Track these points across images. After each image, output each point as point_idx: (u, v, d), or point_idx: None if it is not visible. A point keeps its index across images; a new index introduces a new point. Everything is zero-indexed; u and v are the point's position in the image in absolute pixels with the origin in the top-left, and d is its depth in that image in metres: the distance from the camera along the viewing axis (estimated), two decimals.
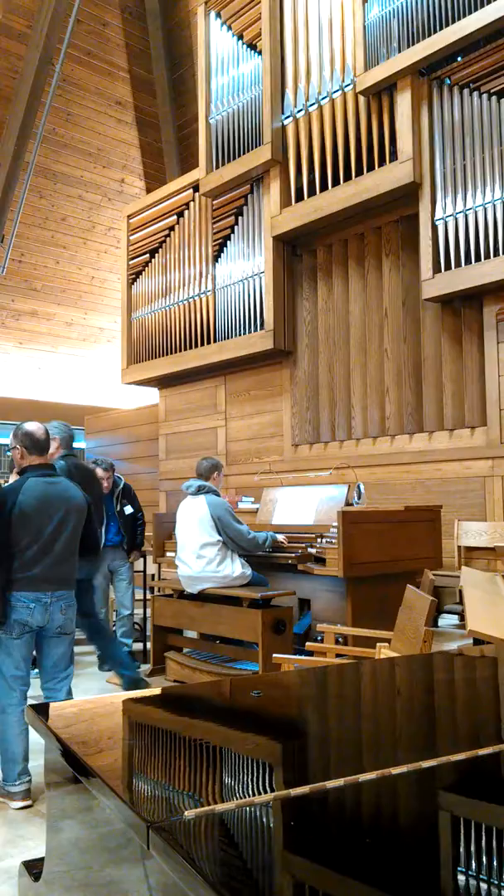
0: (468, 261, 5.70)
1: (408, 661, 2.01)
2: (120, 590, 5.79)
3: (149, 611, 5.56)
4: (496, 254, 5.52)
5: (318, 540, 4.74)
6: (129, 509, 5.86)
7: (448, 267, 5.82)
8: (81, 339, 12.00)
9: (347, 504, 4.99)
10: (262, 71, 7.23)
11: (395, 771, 1.03)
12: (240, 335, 7.59)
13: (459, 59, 5.83)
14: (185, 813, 0.88)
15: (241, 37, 7.60)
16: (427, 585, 4.04)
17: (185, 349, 8.31)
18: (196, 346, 8.17)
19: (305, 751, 1.21)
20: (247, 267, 7.55)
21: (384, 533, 4.63)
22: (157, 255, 8.87)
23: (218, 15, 7.89)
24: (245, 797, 0.95)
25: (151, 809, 0.92)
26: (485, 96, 5.66)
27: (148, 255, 9.00)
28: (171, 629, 5.31)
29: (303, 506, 5.32)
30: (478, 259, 5.63)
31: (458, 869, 0.77)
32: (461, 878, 0.75)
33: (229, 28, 7.75)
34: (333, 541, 4.48)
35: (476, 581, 4.13)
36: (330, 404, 7.14)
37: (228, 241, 7.86)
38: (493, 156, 5.57)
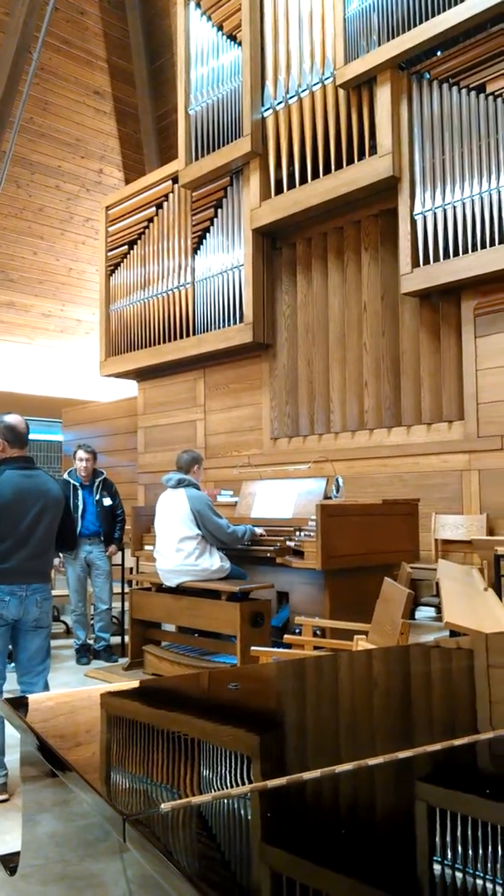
0: (447, 255, 5.73)
1: (385, 653, 2.02)
2: (98, 584, 5.77)
3: (127, 604, 5.54)
4: (474, 249, 5.56)
5: (297, 533, 4.75)
6: (107, 501, 5.84)
7: (427, 261, 5.85)
8: (59, 331, 11.89)
9: (326, 497, 5.01)
10: (242, 62, 7.20)
11: (372, 762, 1.03)
12: (219, 328, 7.57)
13: (439, 53, 5.84)
14: (162, 806, 0.88)
15: (220, 27, 7.56)
16: (404, 578, 4.07)
17: (164, 342, 8.28)
18: (175, 338, 8.13)
19: (283, 742, 1.22)
20: (226, 259, 7.53)
21: (362, 526, 4.65)
22: (135, 246, 8.82)
23: (198, 5, 7.83)
24: (222, 789, 0.95)
25: (128, 802, 0.92)
26: (464, 91, 5.68)
27: (126, 247, 8.94)
28: (150, 623, 5.30)
29: (281, 499, 5.33)
30: (456, 254, 5.66)
31: (434, 858, 0.78)
32: (437, 867, 0.76)
33: (209, 18, 7.70)
34: (312, 534, 4.50)
35: (453, 574, 4.18)
36: (309, 398, 7.15)
37: (208, 234, 7.83)
38: (471, 151, 5.60)
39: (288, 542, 4.76)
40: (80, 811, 1.10)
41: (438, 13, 5.66)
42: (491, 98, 5.51)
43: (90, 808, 0.98)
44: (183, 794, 0.93)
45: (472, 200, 5.55)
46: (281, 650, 3.65)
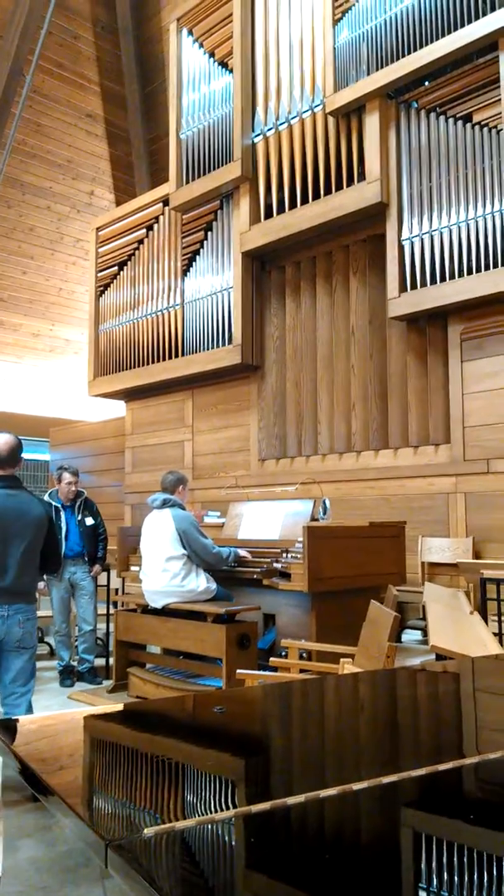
0: (433, 281, 5.79)
1: (371, 676, 2.02)
2: (82, 605, 5.71)
3: (112, 626, 5.50)
4: (461, 275, 5.63)
5: (284, 555, 4.74)
6: (89, 521, 5.81)
7: (414, 286, 5.91)
8: (48, 351, 11.90)
9: (313, 519, 5.01)
10: (233, 89, 7.30)
11: (356, 787, 1.03)
12: (208, 349, 7.61)
13: (426, 83, 5.95)
14: (145, 831, 0.87)
15: (212, 54, 7.67)
16: (391, 601, 4.07)
17: (153, 362, 8.30)
18: (164, 359, 8.16)
19: (268, 767, 1.21)
20: (216, 282, 7.58)
21: (349, 548, 4.65)
22: (125, 267, 8.86)
23: (190, 32, 7.95)
24: (206, 814, 0.94)
25: (111, 828, 0.91)
26: (451, 120, 5.78)
27: (116, 268, 8.98)
28: (134, 644, 5.25)
29: (269, 520, 5.32)
30: (443, 279, 5.73)
31: (419, 885, 0.77)
32: (421, 894, 0.76)
33: (201, 45, 7.81)
34: (299, 556, 4.49)
35: (439, 596, 4.18)
36: (297, 419, 7.17)
37: (198, 256, 7.88)
38: (458, 179, 5.69)
39: (275, 564, 4.74)
40: (62, 836, 1.09)
41: (426, 44, 5.77)
42: (477, 127, 5.62)
43: (72, 834, 0.97)
44: (166, 820, 0.92)
45: (459, 227, 5.63)
46: (267, 673, 3.62)
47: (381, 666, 2.68)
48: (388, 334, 6.49)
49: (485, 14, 5.42)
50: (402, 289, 5.99)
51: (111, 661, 5.50)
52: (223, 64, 7.53)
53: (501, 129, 5.40)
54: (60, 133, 10.88)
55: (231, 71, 7.38)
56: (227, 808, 0.97)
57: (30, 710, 3.39)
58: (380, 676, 1.99)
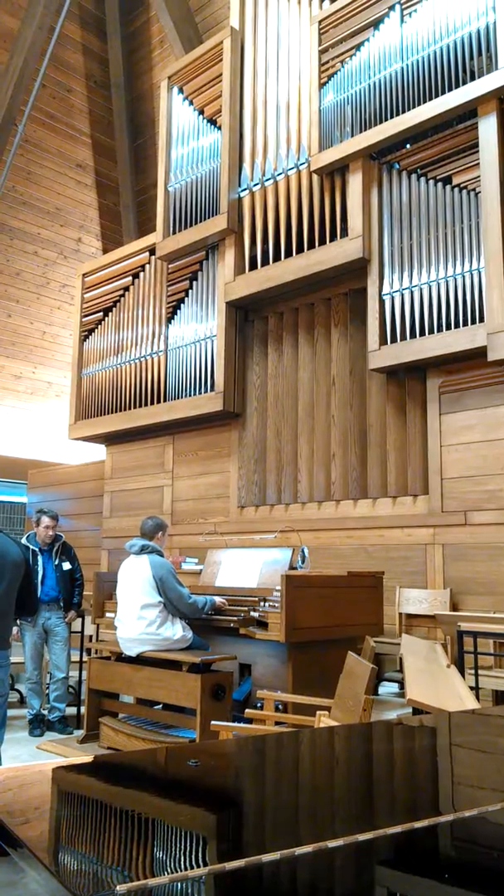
0: (413, 335, 5.91)
1: (347, 730, 2.00)
2: (55, 651, 5.61)
3: (84, 674, 5.39)
4: (439, 329, 5.75)
5: (261, 603, 4.71)
6: (66, 566, 5.75)
7: (394, 340, 6.03)
8: (29, 393, 11.89)
9: (291, 568, 4.99)
10: (221, 145, 7.51)
11: (332, 844, 1.02)
12: (190, 396, 7.65)
13: (408, 146, 6.17)
14: (118, 887, 0.85)
15: (202, 112, 7.90)
16: (368, 652, 4.04)
17: (135, 407, 8.32)
18: (146, 404, 8.19)
19: (242, 822, 1.19)
20: (199, 329, 7.67)
21: (327, 598, 4.63)
22: (110, 313, 8.95)
23: (181, 90, 8.20)
24: (179, 871, 0.92)
25: (81, 884, 0.89)
26: (431, 182, 5.97)
27: (101, 314, 9.06)
28: (107, 693, 5.15)
29: (247, 568, 5.29)
30: (422, 334, 5.85)
31: None
32: None
33: (191, 103, 8.05)
34: (276, 605, 4.46)
35: (416, 649, 4.16)
36: (277, 467, 7.20)
37: (182, 304, 7.99)
38: (437, 237, 5.86)
39: (252, 613, 4.70)
40: (28, 894, 1.05)
41: (409, 109, 6.00)
42: (457, 189, 5.81)
43: (40, 890, 0.94)
44: (138, 876, 0.90)
45: (438, 283, 5.78)
46: (241, 725, 3.57)
47: (358, 719, 2.65)
48: (368, 385, 6.58)
49: (464, 83, 5.66)
50: (383, 342, 6.10)
51: (83, 709, 5.38)
52: (212, 121, 7.76)
53: (479, 192, 5.59)
54: (50, 181, 11.08)
55: (219, 128, 7.60)
56: (201, 865, 0.95)
57: None
58: (356, 730, 1.97)
